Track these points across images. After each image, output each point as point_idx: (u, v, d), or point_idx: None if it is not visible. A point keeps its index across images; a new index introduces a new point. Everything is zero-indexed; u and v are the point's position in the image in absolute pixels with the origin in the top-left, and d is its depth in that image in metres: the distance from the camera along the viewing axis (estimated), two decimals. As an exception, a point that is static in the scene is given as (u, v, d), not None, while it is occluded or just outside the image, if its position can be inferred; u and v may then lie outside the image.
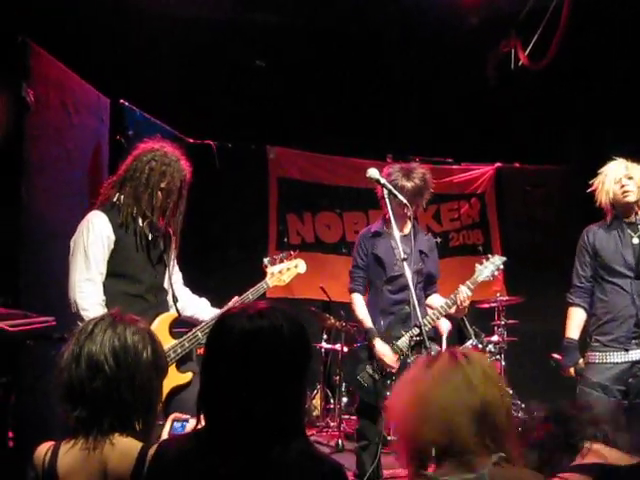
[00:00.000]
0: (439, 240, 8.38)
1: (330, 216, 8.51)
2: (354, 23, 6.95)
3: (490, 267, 4.64)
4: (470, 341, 6.64)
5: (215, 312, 3.95)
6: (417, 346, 4.40)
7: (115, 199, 3.79)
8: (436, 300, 4.80)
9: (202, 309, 4.06)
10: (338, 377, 7.28)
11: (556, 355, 5.08)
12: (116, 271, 3.71)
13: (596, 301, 4.43)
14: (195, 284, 4.28)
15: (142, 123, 5.75)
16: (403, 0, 6.55)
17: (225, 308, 3.76)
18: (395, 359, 4.46)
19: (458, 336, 6.95)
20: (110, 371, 2.14)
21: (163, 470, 1.92)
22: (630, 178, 4.32)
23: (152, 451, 2.00)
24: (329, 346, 7.38)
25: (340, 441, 6.56)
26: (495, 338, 6.86)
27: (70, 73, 4.80)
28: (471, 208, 8.70)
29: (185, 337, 3.76)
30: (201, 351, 2.44)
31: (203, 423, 1.93)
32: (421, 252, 4.71)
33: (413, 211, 4.40)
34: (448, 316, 4.70)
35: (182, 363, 3.77)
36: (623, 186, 4.31)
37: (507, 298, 7.11)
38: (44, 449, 2.18)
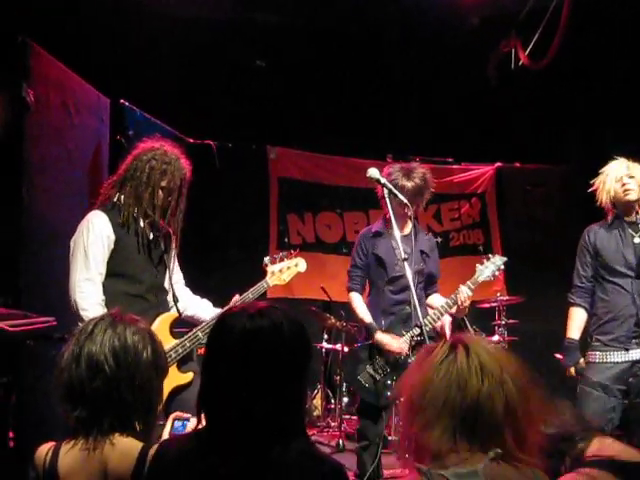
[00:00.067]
0: (439, 240, 8.37)
1: (330, 216, 8.51)
2: (354, 23, 6.95)
3: (491, 267, 4.65)
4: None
5: (216, 312, 3.95)
6: (418, 346, 4.39)
7: (115, 199, 3.79)
8: (437, 300, 4.80)
9: (203, 309, 4.06)
10: (339, 377, 7.28)
11: (558, 355, 5.08)
12: (116, 271, 3.71)
13: (597, 301, 4.43)
14: (195, 284, 4.28)
15: (142, 123, 5.75)
16: (403, 0, 6.54)
17: (226, 308, 3.76)
18: (401, 343, 4.44)
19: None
20: (110, 371, 2.14)
21: (163, 470, 1.92)
22: (631, 177, 4.33)
23: (152, 451, 2.01)
24: (330, 346, 7.38)
25: (341, 441, 6.56)
26: (496, 338, 6.86)
27: (70, 73, 4.80)
28: (471, 208, 8.70)
29: (186, 337, 3.76)
30: (202, 351, 2.43)
31: (204, 423, 1.93)
32: (422, 252, 4.71)
33: (413, 211, 4.40)
34: (449, 316, 4.70)
35: (183, 363, 3.77)
36: (624, 184, 4.31)
37: (507, 298, 7.11)
38: (45, 449, 2.18)
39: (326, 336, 7.45)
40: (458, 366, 1.84)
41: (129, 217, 3.74)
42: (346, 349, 6.71)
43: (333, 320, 7.09)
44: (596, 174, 4.51)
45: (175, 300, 3.95)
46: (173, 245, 4.01)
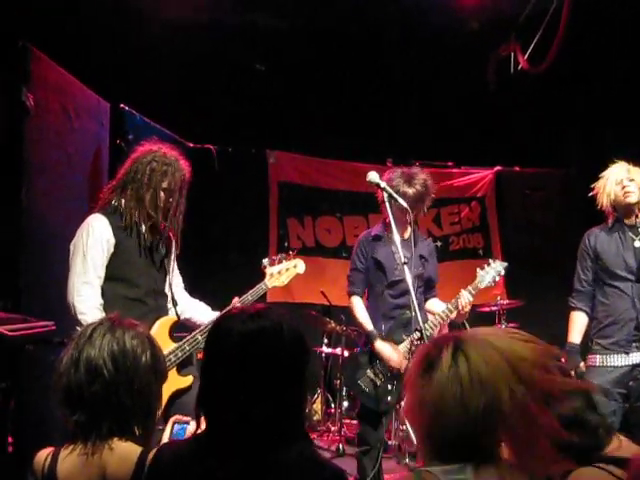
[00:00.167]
0: (439, 244, 8.38)
1: (330, 220, 8.51)
2: (354, 23, 6.95)
3: (491, 272, 4.65)
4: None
5: (215, 315, 3.95)
6: (418, 350, 4.38)
7: (116, 203, 3.79)
8: (435, 304, 4.80)
9: (202, 313, 4.06)
10: (339, 381, 7.27)
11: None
12: (116, 275, 3.71)
13: (597, 304, 4.43)
14: (195, 287, 4.28)
15: (142, 127, 5.74)
16: (403, 0, 6.54)
17: (224, 311, 3.76)
18: (401, 358, 4.44)
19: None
20: (109, 375, 2.14)
21: (161, 474, 1.92)
22: (632, 180, 4.34)
23: (151, 456, 2.00)
24: (330, 350, 7.37)
25: (341, 445, 6.55)
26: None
27: (70, 77, 4.80)
28: (471, 212, 8.70)
29: (185, 340, 3.76)
30: (201, 355, 2.43)
31: (203, 427, 1.93)
32: (421, 257, 4.71)
33: (414, 216, 4.40)
34: (450, 321, 4.69)
35: (183, 367, 3.78)
36: (624, 187, 4.32)
37: (507, 302, 7.10)
38: (44, 455, 2.18)
39: (326, 340, 7.44)
40: (454, 388, 1.77)
41: (130, 220, 3.74)
42: (346, 353, 6.71)
43: (333, 324, 7.08)
44: (596, 178, 4.52)
45: (174, 304, 3.95)
46: (173, 249, 4.02)
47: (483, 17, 7.03)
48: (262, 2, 6.74)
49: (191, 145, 7.20)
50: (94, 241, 3.65)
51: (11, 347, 3.46)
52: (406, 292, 4.21)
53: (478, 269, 4.70)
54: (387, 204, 4.11)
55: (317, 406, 7.56)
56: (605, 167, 4.50)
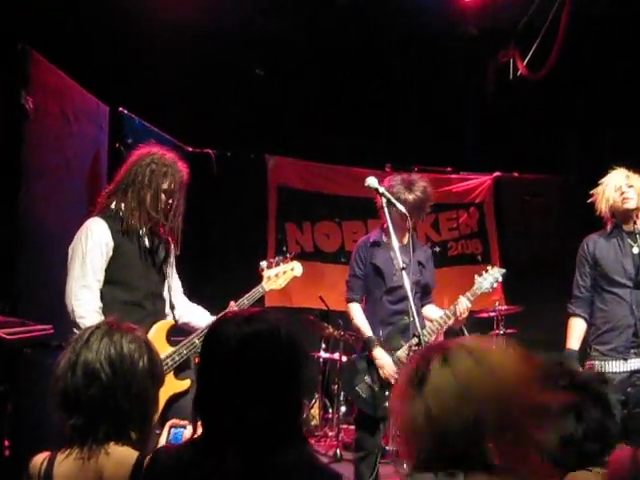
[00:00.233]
0: (437, 249, 8.39)
1: (329, 225, 8.50)
2: (354, 23, 6.96)
3: (489, 279, 4.66)
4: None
5: (213, 319, 3.94)
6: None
7: (114, 206, 3.79)
8: (431, 310, 4.80)
9: (199, 317, 4.06)
10: (336, 386, 7.26)
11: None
12: (114, 278, 3.70)
13: (595, 311, 4.43)
14: (193, 291, 4.28)
15: (141, 131, 5.74)
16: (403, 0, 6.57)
17: (220, 314, 3.76)
18: (395, 369, 4.44)
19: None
20: (106, 379, 2.13)
21: (158, 479, 1.91)
22: (630, 186, 4.34)
23: (147, 460, 2.00)
24: (327, 355, 7.36)
25: (338, 451, 6.54)
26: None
27: (69, 81, 4.80)
28: (470, 217, 8.70)
29: (182, 344, 3.76)
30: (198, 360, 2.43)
31: (200, 431, 1.93)
32: (419, 263, 4.71)
33: (413, 222, 4.40)
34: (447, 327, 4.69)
35: (180, 370, 3.77)
36: (623, 193, 4.32)
37: (506, 307, 7.10)
38: (40, 459, 2.17)
39: (324, 345, 7.43)
40: (445, 387, 1.78)
41: (129, 224, 3.74)
42: (344, 358, 6.70)
43: (331, 329, 7.07)
44: (595, 184, 4.53)
45: (171, 308, 3.94)
46: (172, 253, 4.02)
47: (482, 24, 7.06)
48: (262, 5, 6.75)
49: (190, 149, 7.20)
50: (93, 244, 3.65)
51: (9, 350, 3.46)
52: (404, 298, 4.20)
53: (476, 276, 4.70)
54: (386, 210, 4.11)
55: (315, 411, 7.54)
56: (604, 173, 4.50)
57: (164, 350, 3.67)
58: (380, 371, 4.47)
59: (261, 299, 4.17)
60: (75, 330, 3.39)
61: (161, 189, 3.77)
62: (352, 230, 8.41)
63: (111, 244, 3.69)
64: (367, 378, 4.53)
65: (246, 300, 4.01)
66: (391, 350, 4.52)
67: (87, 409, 2.12)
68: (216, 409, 1.87)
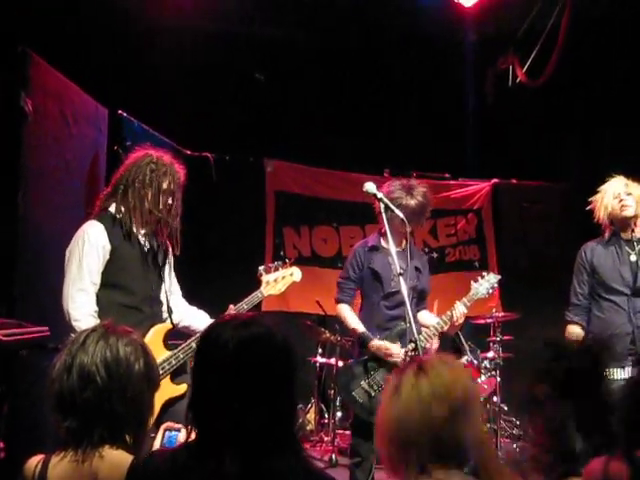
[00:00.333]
0: (435, 255, 8.40)
1: (327, 230, 8.50)
2: (354, 23, 6.97)
3: (485, 285, 4.67)
4: (465, 357, 6.63)
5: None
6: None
7: (112, 209, 3.79)
8: (425, 316, 4.80)
9: (199, 320, 4.05)
10: (332, 391, 7.26)
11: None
12: (111, 281, 3.70)
13: (593, 318, 4.44)
14: (192, 295, 4.27)
15: (140, 134, 5.75)
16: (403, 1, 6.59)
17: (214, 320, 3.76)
18: (400, 350, 4.41)
19: (453, 352, 6.94)
20: (101, 382, 2.13)
21: None
22: (629, 194, 4.35)
23: (141, 463, 1.99)
24: (324, 360, 7.36)
25: (334, 456, 6.53)
26: (490, 354, 6.85)
27: (69, 83, 4.80)
28: (468, 224, 8.71)
29: (180, 348, 3.75)
30: (194, 364, 2.43)
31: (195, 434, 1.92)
32: (416, 268, 4.70)
33: (411, 228, 4.39)
34: (441, 332, 4.69)
35: (177, 375, 3.76)
36: (621, 200, 4.33)
37: (503, 314, 7.10)
38: (34, 462, 2.17)
39: (320, 350, 7.43)
40: (404, 401, 1.90)
41: (127, 226, 3.74)
42: (340, 363, 6.69)
43: (328, 334, 7.07)
44: (593, 191, 4.53)
45: (169, 311, 3.94)
46: (170, 256, 4.02)
47: (482, 30, 7.07)
48: (262, 5, 6.75)
49: (189, 153, 7.20)
50: (90, 247, 3.65)
51: (5, 352, 3.45)
52: (401, 303, 4.20)
53: (472, 281, 4.72)
54: (384, 215, 4.11)
55: (311, 416, 7.54)
56: (603, 180, 4.51)
57: (161, 354, 3.66)
58: (388, 359, 4.44)
59: (258, 304, 4.17)
60: (72, 333, 3.39)
61: (162, 188, 3.78)
62: (350, 235, 8.40)
63: (108, 247, 3.69)
64: (364, 383, 4.53)
65: (245, 305, 4.01)
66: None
67: (82, 412, 2.12)
68: (213, 412, 1.87)
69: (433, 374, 1.91)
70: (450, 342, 6.87)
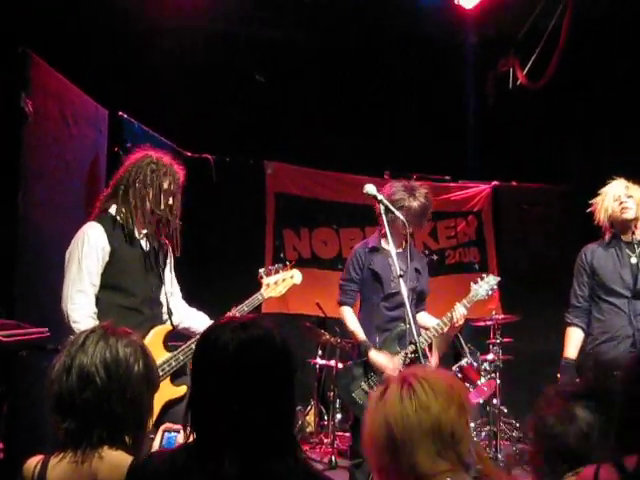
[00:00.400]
0: (435, 257, 8.40)
1: (327, 232, 8.50)
2: (354, 23, 6.97)
3: (485, 286, 4.67)
4: (465, 359, 6.62)
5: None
6: (413, 363, 4.38)
7: (112, 210, 3.79)
8: (425, 318, 4.79)
9: (199, 322, 4.05)
10: (332, 393, 7.25)
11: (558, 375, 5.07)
12: (111, 283, 3.70)
13: (593, 321, 4.43)
14: (192, 296, 4.27)
15: (140, 135, 5.75)
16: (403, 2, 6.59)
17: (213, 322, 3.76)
18: (396, 364, 4.41)
19: (453, 354, 6.94)
20: (101, 383, 2.12)
21: None
22: (630, 197, 4.35)
23: (140, 464, 1.99)
24: (324, 362, 7.35)
25: (333, 458, 6.52)
26: (490, 356, 6.83)
27: (69, 84, 4.80)
28: (468, 226, 8.71)
29: (180, 350, 3.75)
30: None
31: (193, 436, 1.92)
32: (416, 270, 4.70)
33: (412, 229, 4.39)
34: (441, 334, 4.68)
35: (176, 376, 3.76)
36: (622, 203, 4.33)
37: (503, 316, 7.08)
38: (33, 462, 2.17)
39: (320, 352, 7.42)
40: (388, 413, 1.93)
41: (127, 227, 3.74)
42: (340, 365, 6.69)
43: (328, 336, 7.06)
44: (594, 193, 4.53)
45: (169, 313, 3.94)
46: (170, 258, 4.02)
47: (483, 32, 7.07)
48: (262, 6, 6.76)
49: (189, 154, 7.19)
50: (89, 249, 3.65)
51: (5, 353, 3.45)
52: (401, 305, 4.20)
53: (472, 283, 4.72)
54: (384, 217, 4.11)
55: (310, 418, 7.53)
56: (603, 183, 4.51)
57: (161, 355, 3.66)
58: (384, 372, 4.44)
59: (258, 305, 4.17)
60: (71, 335, 3.38)
61: (163, 188, 3.78)
62: (350, 237, 8.39)
63: (108, 249, 3.69)
64: (364, 384, 4.52)
65: (246, 307, 4.01)
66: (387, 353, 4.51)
67: (81, 413, 2.12)
68: (212, 414, 1.87)
69: (419, 389, 1.92)
70: (450, 344, 6.87)
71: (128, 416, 2.15)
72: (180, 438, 2.37)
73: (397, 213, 4.13)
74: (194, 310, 4.14)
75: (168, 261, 4.02)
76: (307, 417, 7.53)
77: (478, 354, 6.81)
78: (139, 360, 2.21)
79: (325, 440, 7.17)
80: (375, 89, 7.73)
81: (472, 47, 7.40)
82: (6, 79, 4.16)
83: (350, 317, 4.71)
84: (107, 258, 3.70)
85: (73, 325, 3.51)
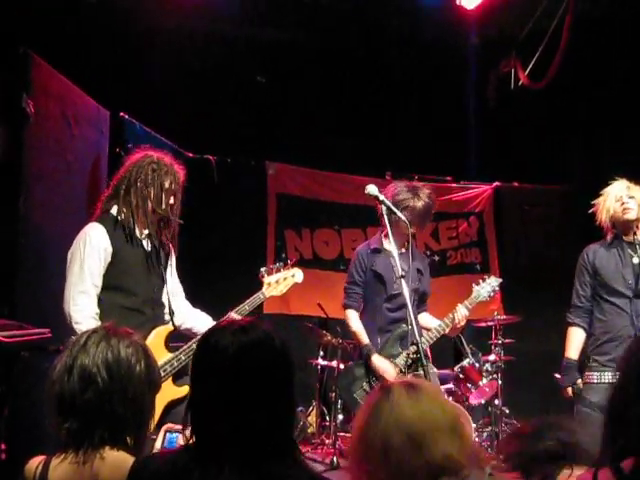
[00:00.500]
0: (437, 258, 8.39)
1: (328, 232, 8.49)
2: (354, 23, 6.97)
3: (487, 288, 4.68)
4: (467, 360, 6.62)
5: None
6: (414, 364, 4.38)
7: (114, 211, 3.79)
8: (426, 318, 4.79)
9: (202, 322, 4.04)
10: (334, 394, 7.24)
11: (557, 375, 5.07)
12: (113, 284, 3.70)
13: (594, 321, 4.42)
14: (194, 297, 4.27)
15: (142, 136, 5.75)
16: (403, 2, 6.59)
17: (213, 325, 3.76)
18: (396, 373, 4.42)
19: (455, 355, 6.94)
20: (102, 383, 2.12)
21: None
22: (631, 197, 4.35)
23: (142, 465, 1.99)
24: (325, 363, 7.34)
25: (335, 458, 6.50)
26: (492, 357, 6.83)
27: (70, 85, 4.80)
28: (469, 227, 8.70)
29: (181, 350, 3.75)
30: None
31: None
32: (418, 270, 4.70)
33: (414, 230, 4.39)
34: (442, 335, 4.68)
35: (178, 377, 3.75)
36: (623, 204, 4.33)
37: (504, 317, 7.08)
38: (35, 463, 2.17)
39: (322, 353, 7.41)
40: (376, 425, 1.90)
41: (129, 228, 3.74)
42: (342, 366, 6.68)
43: (329, 337, 7.05)
44: (595, 194, 4.53)
45: (171, 313, 3.93)
46: (172, 258, 4.02)
47: (485, 33, 7.07)
48: (262, 7, 6.76)
49: (190, 155, 7.19)
50: (91, 249, 3.65)
51: (6, 353, 3.45)
52: (403, 306, 4.20)
53: (474, 284, 4.73)
54: (386, 217, 4.11)
55: (312, 419, 7.53)
56: (605, 183, 4.51)
57: (163, 356, 3.66)
58: (383, 378, 4.44)
59: (259, 306, 4.17)
60: (73, 336, 3.38)
61: (164, 187, 3.78)
62: (351, 238, 8.39)
63: (110, 249, 3.69)
64: (365, 385, 4.53)
65: (247, 306, 4.01)
66: (389, 358, 4.50)
67: (83, 413, 2.12)
68: (213, 416, 1.87)
69: (425, 390, 1.93)
70: (451, 345, 6.87)
71: (129, 417, 2.15)
72: (181, 438, 2.37)
73: (399, 214, 4.13)
74: (197, 311, 4.14)
75: (170, 261, 4.01)
76: (309, 418, 7.53)
77: (480, 355, 6.81)
78: (141, 360, 2.21)
79: (327, 441, 7.15)
80: (376, 89, 7.73)
81: (474, 48, 7.40)
82: (7, 80, 4.16)
83: (354, 321, 4.71)
84: (109, 259, 3.70)
85: (75, 326, 3.51)
